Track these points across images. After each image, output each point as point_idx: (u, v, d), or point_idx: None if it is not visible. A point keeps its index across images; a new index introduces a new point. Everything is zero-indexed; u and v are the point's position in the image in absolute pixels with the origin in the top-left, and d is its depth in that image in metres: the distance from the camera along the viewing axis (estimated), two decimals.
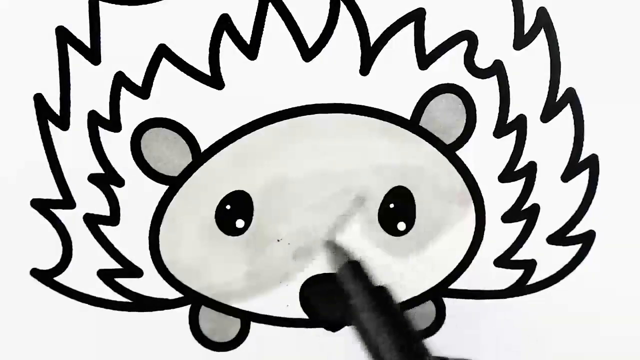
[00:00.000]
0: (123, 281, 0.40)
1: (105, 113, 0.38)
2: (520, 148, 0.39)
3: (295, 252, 0.40)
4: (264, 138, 0.38)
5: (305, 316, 0.41)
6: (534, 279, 0.41)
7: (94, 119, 0.38)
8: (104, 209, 0.39)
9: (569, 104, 0.39)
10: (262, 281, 0.41)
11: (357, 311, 0.36)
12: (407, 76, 0.38)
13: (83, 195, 0.39)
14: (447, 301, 0.42)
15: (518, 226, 0.41)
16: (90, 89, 0.37)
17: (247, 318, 0.41)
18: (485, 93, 0.39)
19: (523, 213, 0.40)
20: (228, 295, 0.41)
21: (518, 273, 0.41)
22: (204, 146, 0.38)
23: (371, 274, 0.38)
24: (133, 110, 0.38)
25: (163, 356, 0.42)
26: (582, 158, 0.40)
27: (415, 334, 0.35)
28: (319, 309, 0.41)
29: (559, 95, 0.39)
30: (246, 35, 0.37)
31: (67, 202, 0.39)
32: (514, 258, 0.41)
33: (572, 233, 0.41)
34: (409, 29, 0.37)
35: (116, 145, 0.38)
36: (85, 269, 0.40)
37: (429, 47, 0.38)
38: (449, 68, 0.38)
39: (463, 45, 0.38)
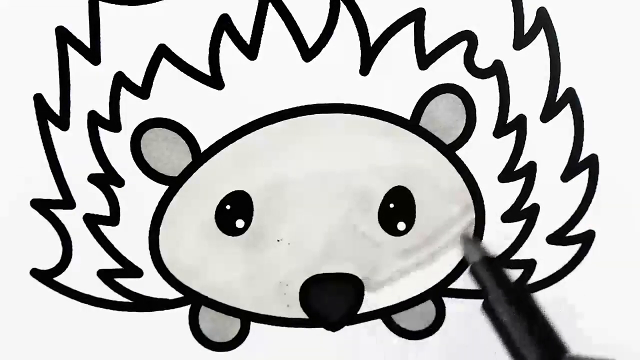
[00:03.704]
0: (123, 281, 0.40)
1: (105, 113, 0.38)
2: (520, 148, 0.39)
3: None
4: (264, 138, 0.38)
5: (305, 316, 0.41)
6: (534, 278, 0.41)
7: (94, 119, 0.38)
8: (104, 209, 0.39)
9: (569, 104, 0.39)
10: (262, 281, 0.41)
11: (495, 306, 0.36)
12: (407, 76, 0.38)
13: (83, 195, 0.39)
14: (447, 301, 0.42)
15: (518, 226, 0.41)
16: (90, 89, 0.37)
17: (247, 318, 0.41)
18: (485, 93, 0.39)
19: (523, 213, 0.41)
20: (228, 295, 0.41)
21: (517, 273, 0.41)
22: (204, 146, 0.38)
23: (506, 270, 0.38)
24: (133, 110, 0.38)
25: (163, 356, 0.42)
26: (582, 158, 0.40)
27: (554, 331, 0.35)
28: (319, 309, 0.41)
29: (559, 95, 0.39)
30: (246, 35, 0.37)
31: (67, 202, 0.39)
32: (513, 258, 0.41)
33: (572, 233, 0.41)
34: (409, 29, 0.38)
35: (116, 145, 0.38)
36: (85, 269, 0.40)
37: (429, 47, 0.38)
38: (449, 68, 0.38)
39: (463, 45, 0.38)
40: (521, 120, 0.39)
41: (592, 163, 0.40)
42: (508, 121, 0.39)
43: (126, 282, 0.40)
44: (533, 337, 0.34)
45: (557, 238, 0.41)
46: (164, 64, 0.37)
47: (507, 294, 0.37)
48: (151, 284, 0.40)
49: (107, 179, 0.39)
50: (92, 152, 0.38)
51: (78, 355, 0.41)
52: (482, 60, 0.38)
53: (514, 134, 0.39)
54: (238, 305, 0.41)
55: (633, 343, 0.43)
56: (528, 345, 0.34)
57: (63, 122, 0.38)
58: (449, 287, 0.41)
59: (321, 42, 0.37)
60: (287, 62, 0.38)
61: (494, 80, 0.38)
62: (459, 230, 0.40)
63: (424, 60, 0.38)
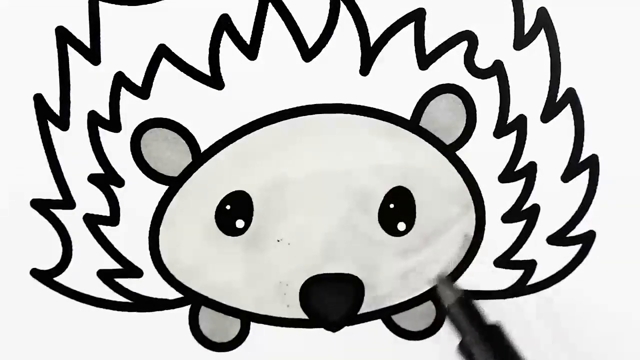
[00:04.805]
0: (123, 281, 0.40)
1: (105, 113, 0.38)
2: (520, 148, 0.39)
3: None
4: (264, 138, 0.38)
5: (305, 316, 0.41)
6: (534, 279, 0.41)
7: (93, 119, 0.38)
8: (104, 209, 0.39)
9: (569, 104, 0.39)
10: (262, 281, 0.41)
11: (470, 348, 0.36)
12: (407, 76, 0.38)
13: (83, 195, 0.39)
14: None
15: (518, 226, 0.41)
16: (90, 89, 0.37)
17: (247, 318, 0.41)
18: (485, 93, 0.39)
19: (523, 213, 0.40)
20: (228, 295, 0.41)
21: (518, 273, 0.41)
22: (204, 146, 0.38)
23: (483, 312, 0.38)
24: (133, 110, 0.38)
25: (163, 356, 0.42)
26: (582, 158, 0.40)
27: None
28: (319, 309, 0.41)
29: (559, 95, 0.39)
30: (246, 35, 0.37)
31: (67, 202, 0.39)
32: (514, 258, 0.41)
33: (572, 233, 0.41)
34: (409, 29, 0.37)
35: (116, 145, 0.38)
36: (85, 269, 0.40)
37: (429, 47, 0.38)
38: (449, 68, 0.38)
39: (463, 45, 0.38)
40: (521, 121, 0.39)
41: (593, 163, 0.40)
42: (508, 121, 0.39)
43: (126, 282, 0.40)
44: None
45: (558, 238, 0.41)
46: (164, 64, 0.37)
47: (484, 336, 0.37)
48: (151, 284, 0.40)
49: (107, 179, 0.39)
50: (92, 152, 0.38)
51: (78, 355, 0.41)
52: (482, 60, 0.38)
53: (514, 134, 0.39)
54: (238, 305, 0.41)
55: (634, 344, 0.42)
56: None
57: (63, 122, 0.38)
58: None
59: (321, 42, 0.37)
60: (287, 62, 0.38)
61: (494, 80, 0.38)
62: (459, 231, 0.40)
63: (424, 60, 0.38)
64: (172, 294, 0.41)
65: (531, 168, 0.40)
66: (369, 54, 0.38)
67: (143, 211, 0.39)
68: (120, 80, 0.37)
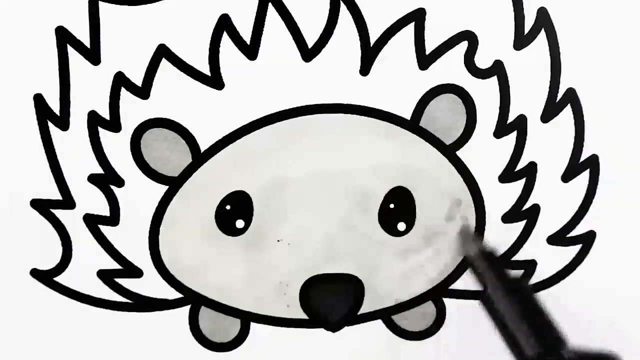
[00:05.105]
0: (123, 281, 0.40)
1: (105, 113, 0.38)
2: (521, 148, 0.39)
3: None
4: (264, 138, 0.38)
5: (305, 316, 0.41)
6: (534, 279, 0.41)
7: (93, 119, 0.38)
8: (104, 209, 0.39)
9: (569, 104, 0.39)
10: (262, 281, 0.41)
11: (493, 301, 0.36)
12: (407, 76, 0.38)
13: (83, 195, 0.39)
14: (447, 301, 0.42)
15: (518, 226, 0.41)
16: (90, 89, 0.37)
17: (247, 318, 0.41)
18: (485, 93, 0.39)
19: (523, 213, 0.40)
20: (228, 295, 0.41)
21: (518, 273, 0.41)
22: (204, 146, 0.38)
23: (504, 264, 0.38)
24: (133, 111, 0.38)
25: (163, 356, 0.42)
26: (582, 158, 0.40)
27: (553, 324, 0.35)
28: (319, 309, 0.41)
29: (559, 95, 0.39)
30: (246, 35, 0.37)
31: (67, 202, 0.39)
32: (514, 258, 0.41)
33: (573, 233, 0.41)
34: (409, 29, 0.37)
35: (116, 146, 0.38)
36: (85, 269, 0.40)
37: (429, 47, 0.38)
38: (449, 68, 0.38)
39: (463, 45, 0.38)
40: (522, 121, 0.39)
41: (593, 163, 0.40)
42: (508, 121, 0.39)
43: (126, 282, 0.40)
44: (532, 329, 0.34)
45: (558, 239, 0.41)
46: (164, 64, 0.37)
47: (506, 287, 0.37)
48: (151, 284, 0.40)
49: (107, 179, 0.39)
50: (92, 152, 0.38)
51: (78, 355, 0.41)
52: (483, 60, 0.38)
53: (514, 134, 0.39)
54: (238, 306, 0.41)
55: (634, 344, 0.42)
56: (526, 338, 0.34)
57: (63, 122, 0.38)
58: (449, 287, 0.41)
59: (321, 42, 0.37)
60: (287, 62, 0.38)
61: (494, 80, 0.38)
62: (458, 229, 0.41)
63: (424, 60, 0.38)
64: (172, 294, 0.41)
65: (531, 168, 0.40)
66: (369, 54, 0.38)
67: (143, 211, 0.39)
68: (120, 80, 0.37)
